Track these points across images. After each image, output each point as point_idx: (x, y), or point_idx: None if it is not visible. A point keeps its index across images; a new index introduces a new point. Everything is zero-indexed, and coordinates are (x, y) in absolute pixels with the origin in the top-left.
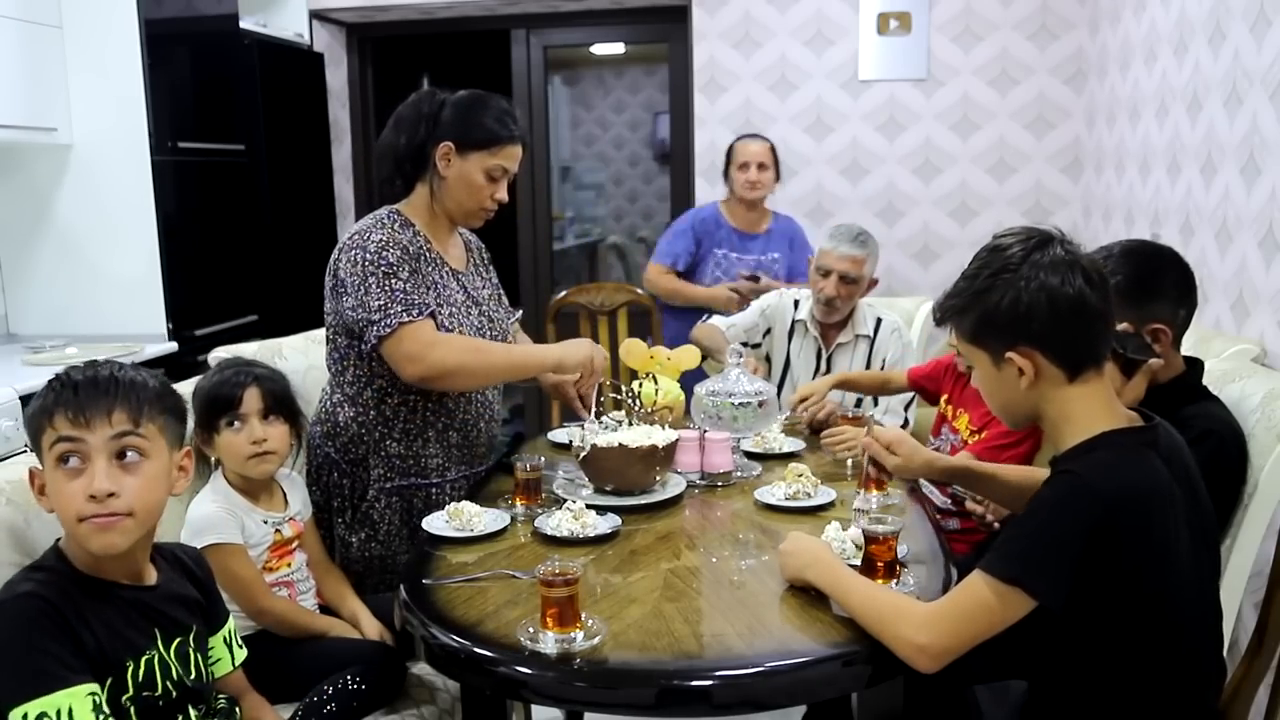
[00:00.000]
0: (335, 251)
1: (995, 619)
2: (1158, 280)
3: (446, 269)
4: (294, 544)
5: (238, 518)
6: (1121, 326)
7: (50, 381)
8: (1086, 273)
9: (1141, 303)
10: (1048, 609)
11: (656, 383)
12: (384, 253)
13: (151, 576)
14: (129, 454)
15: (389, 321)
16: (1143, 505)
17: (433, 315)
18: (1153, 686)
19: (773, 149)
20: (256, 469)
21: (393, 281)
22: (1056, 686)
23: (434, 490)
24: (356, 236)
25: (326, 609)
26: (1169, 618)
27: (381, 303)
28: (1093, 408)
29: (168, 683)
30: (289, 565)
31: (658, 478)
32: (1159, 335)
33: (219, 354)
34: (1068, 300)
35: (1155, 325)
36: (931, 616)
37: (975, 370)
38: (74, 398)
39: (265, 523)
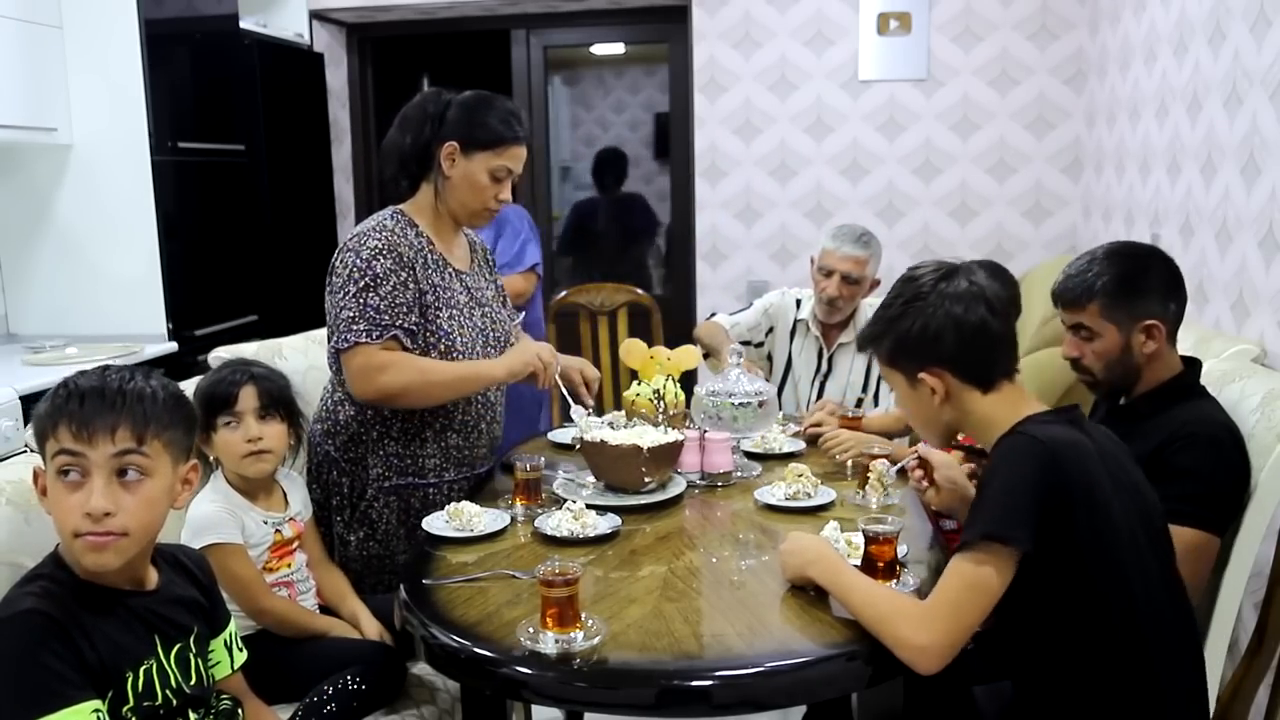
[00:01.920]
0: (338, 249)
1: (984, 592)
2: (1143, 278)
3: (449, 270)
4: (294, 544)
5: (238, 517)
6: (1112, 328)
7: (58, 387)
8: (989, 302)
9: (1131, 302)
10: (1024, 575)
11: (678, 384)
12: (375, 262)
13: (152, 580)
14: (130, 472)
15: (348, 336)
16: (1078, 453)
17: (396, 339)
18: (1122, 682)
19: None
20: (252, 468)
21: (369, 295)
22: (1038, 687)
23: (431, 490)
24: (356, 239)
25: (326, 609)
26: (1129, 589)
27: (349, 315)
28: (1010, 409)
29: (167, 691)
30: (289, 565)
31: (647, 478)
32: (1153, 331)
33: (219, 354)
34: (971, 327)
35: (1148, 322)
36: (926, 616)
37: (895, 392)
38: (79, 410)
39: (265, 523)
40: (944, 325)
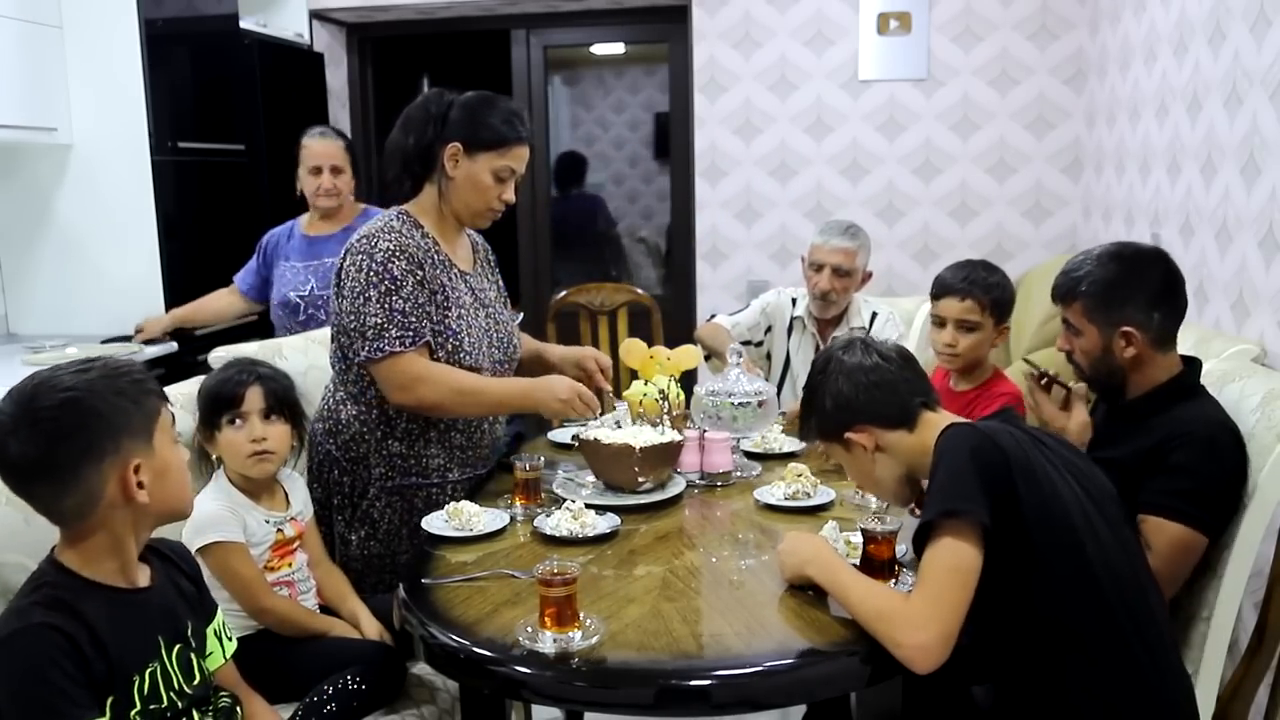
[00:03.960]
0: (342, 252)
1: (962, 571)
2: (1128, 285)
3: (454, 270)
4: (295, 544)
5: (239, 516)
6: (1093, 329)
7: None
8: (882, 354)
9: (1110, 308)
10: (985, 564)
11: (678, 384)
12: (390, 264)
13: (147, 576)
14: None
15: (381, 345)
16: (1011, 435)
17: (428, 344)
18: (1095, 668)
19: (346, 146)
20: (256, 469)
21: (393, 299)
22: (1015, 683)
23: (434, 490)
24: (364, 241)
25: (326, 609)
26: (1090, 570)
27: (378, 322)
28: (937, 432)
29: (171, 693)
30: (290, 565)
31: (640, 478)
32: (1130, 338)
33: (219, 354)
34: (871, 382)
35: (1124, 329)
36: (919, 614)
37: (842, 464)
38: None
39: (267, 522)
40: (850, 388)
